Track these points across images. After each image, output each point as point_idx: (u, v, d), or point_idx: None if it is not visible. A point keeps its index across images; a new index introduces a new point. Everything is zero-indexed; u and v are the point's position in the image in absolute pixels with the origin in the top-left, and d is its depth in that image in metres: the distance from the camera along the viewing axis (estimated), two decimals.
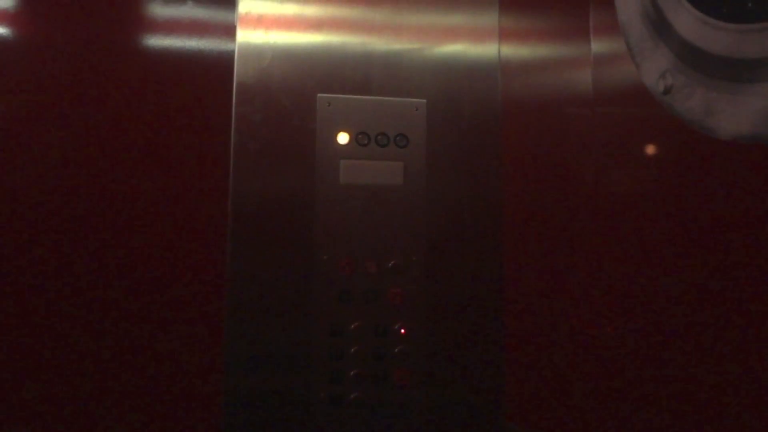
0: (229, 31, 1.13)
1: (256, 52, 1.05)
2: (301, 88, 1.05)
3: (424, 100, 1.08)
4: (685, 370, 0.85)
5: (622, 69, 1.05)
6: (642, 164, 1.01)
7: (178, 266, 1.20)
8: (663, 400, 0.89)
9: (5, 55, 1.24)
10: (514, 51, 1.32)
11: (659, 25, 0.87)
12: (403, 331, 1.03)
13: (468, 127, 1.09)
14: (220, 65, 1.22)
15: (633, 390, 0.96)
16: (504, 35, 1.15)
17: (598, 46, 1.17)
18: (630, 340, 0.99)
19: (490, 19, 1.13)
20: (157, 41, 1.29)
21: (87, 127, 1.22)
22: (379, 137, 1.06)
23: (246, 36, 1.06)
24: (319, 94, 1.05)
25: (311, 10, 1.08)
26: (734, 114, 0.75)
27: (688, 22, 0.81)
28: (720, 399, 0.79)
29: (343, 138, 1.05)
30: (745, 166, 0.78)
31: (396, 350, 1.03)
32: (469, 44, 1.12)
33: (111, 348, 1.19)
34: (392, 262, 1.04)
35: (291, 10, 1.07)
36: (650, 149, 1.01)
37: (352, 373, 1.02)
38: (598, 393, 1.06)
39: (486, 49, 1.12)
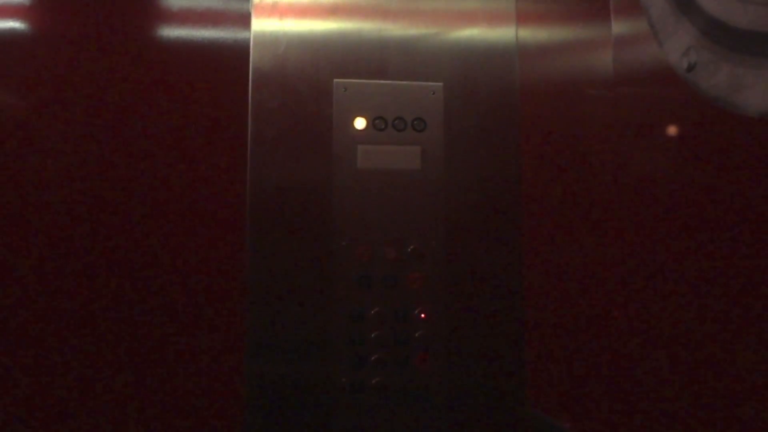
0: (244, 20, 1.13)
1: (272, 40, 1.05)
2: (317, 74, 1.04)
3: (441, 84, 1.07)
4: (707, 355, 0.84)
5: (643, 50, 1.03)
6: (664, 145, 0.99)
7: (198, 254, 1.20)
8: (685, 386, 0.88)
9: (20, 48, 1.25)
10: (531, 34, 1.30)
11: (682, 1, 0.85)
12: (423, 315, 1.03)
13: (486, 111, 1.08)
14: (236, 54, 1.22)
15: (654, 375, 0.95)
16: (521, 18, 1.14)
17: (618, 27, 1.14)
18: (652, 323, 0.97)
19: (506, 2, 1.12)
20: (173, 31, 1.29)
21: (104, 118, 1.23)
22: (396, 121, 1.05)
23: (261, 24, 1.05)
24: (335, 80, 1.05)
25: None
26: (762, 89, 0.73)
27: None
28: (745, 387, 0.78)
29: (360, 123, 1.04)
30: None
31: (416, 335, 1.02)
32: (486, 28, 1.11)
33: (131, 336, 1.20)
34: (411, 247, 1.03)
35: None
36: (672, 130, 0.99)
37: (372, 358, 1.01)
38: (618, 377, 1.05)
39: (503, 32, 1.11)
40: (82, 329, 1.19)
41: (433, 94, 1.06)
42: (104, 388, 1.19)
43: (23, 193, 1.20)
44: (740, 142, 0.79)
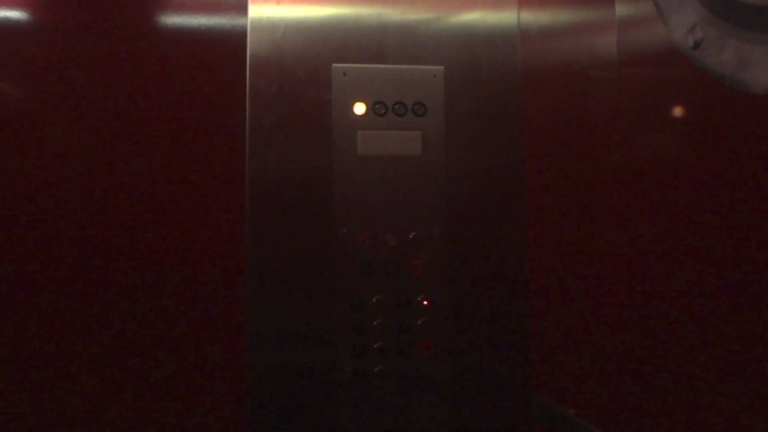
0: (241, 5, 1.11)
1: (269, 25, 1.03)
2: (316, 59, 1.03)
3: (442, 67, 1.05)
4: (715, 336, 0.83)
5: (647, 30, 1.01)
6: (670, 126, 0.98)
7: (198, 244, 1.19)
8: (693, 368, 0.86)
9: (17, 37, 1.24)
10: (534, 16, 1.28)
11: None
12: (425, 302, 1.02)
13: (488, 94, 1.06)
14: (234, 40, 1.20)
15: (662, 358, 0.94)
16: (523, 1, 1.12)
17: (622, 7, 1.13)
18: (658, 307, 0.96)
19: None
20: (171, 19, 1.28)
21: (101, 107, 1.22)
22: (397, 106, 1.04)
23: (258, 9, 1.04)
24: (334, 65, 1.03)
25: None
26: None
27: None
28: (754, 365, 0.76)
29: (359, 108, 1.03)
30: None
31: (419, 322, 1.01)
32: (488, 11, 1.09)
33: (131, 332, 1.19)
34: (413, 234, 1.02)
35: None
36: (678, 110, 0.98)
37: (375, 346, 1.00)
38: (622, 363, 1.04)
39: (505, 15, 1.09)
40: (81, 321, 1.19)
41: (434, 77, 1.04)
42: (107, 379, 1.19)
43: (21, 183, 1.19)
44: (747, 121, 0.78)
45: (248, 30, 1.03)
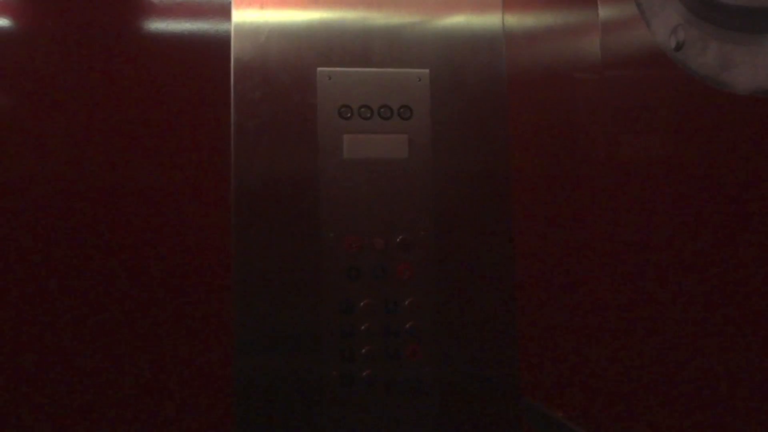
0: (225, 10, 1.11)
1: (253, 30, 1.03)
2: (300, 63, 1.03)
3: (427, 70, 1.05)
4: (702, 337, 0.83)
5: (631, 33, 1.02)
6: (654, 127, 0.98)
7: (184, 249, 1.18)
8: (681, 370, 0.87)
9: (1, 44, 1.23)
10: (518, 19, 1.29)
11: None
12: (413, 306, 1.01)
13: (473, 97, 1.06)
14: (218, 45, 1.20)
15: (650, 359, 0.94)
16: (508, 4, 1.13)
17: (605, 10, 1.13)
18: (646, 308, 0.97)
19: None
20: (155, 24, 1.27)
21: (87, 113, 1.21)
22: (382, 110, 1.03)
23: (241, 14, 1.04)
24: (319, 68, 1.03)
25: None
26: (753, 67, 0.71)
27: None
28: (741, 370, 0.77)
29: (345, 112, 1.03)
30: (763, 123, 0.75)
31: (407, 326, 1.01)
32: (472, 14, 1.09)
33: (118, 336, 1.18)
34: (400, 238, 1.02)
35: None
36: (662, 112, 0.98)
37: (363, 350, 1.00)
38: (610, 365, 1.04)
39: (489, 18, 1.10)
40: (69, 327, 1.17)
41: (419, 80, 1.04)
42: (93, 385, 1.17)
43: (7, 189, 1.18)
44: (730, 121, 0.78)
45: (232, 35, 1.03)
